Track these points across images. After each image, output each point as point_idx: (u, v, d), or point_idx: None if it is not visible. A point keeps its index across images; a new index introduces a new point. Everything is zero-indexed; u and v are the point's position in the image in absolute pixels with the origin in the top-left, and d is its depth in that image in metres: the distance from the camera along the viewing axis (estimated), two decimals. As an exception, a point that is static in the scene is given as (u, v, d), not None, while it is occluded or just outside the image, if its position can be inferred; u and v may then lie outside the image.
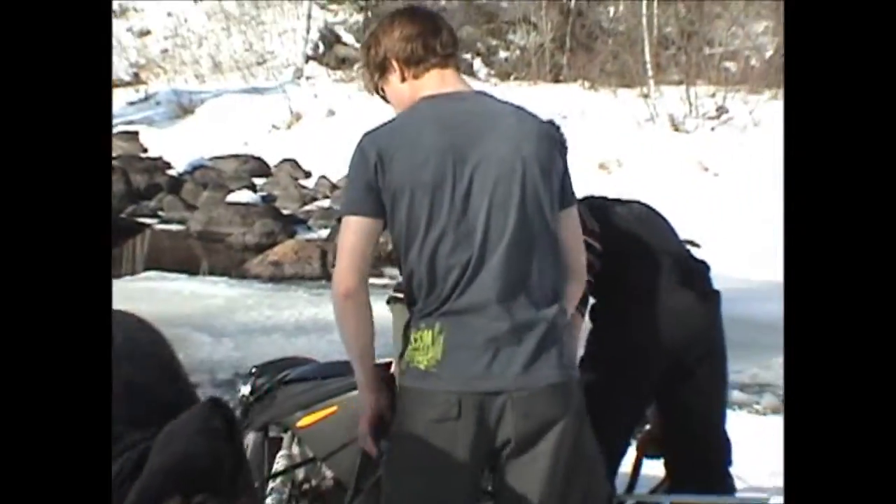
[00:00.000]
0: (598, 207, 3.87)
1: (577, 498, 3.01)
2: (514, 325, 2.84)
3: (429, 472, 2.93)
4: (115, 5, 32.64)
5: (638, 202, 4.14)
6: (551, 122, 3.26)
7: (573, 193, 3.11)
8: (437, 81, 3.06)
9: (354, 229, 2.91)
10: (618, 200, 4.09)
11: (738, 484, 4.70)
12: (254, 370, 4.06)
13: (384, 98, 3.26)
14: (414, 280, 2.92)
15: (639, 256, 3.84)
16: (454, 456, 2.88)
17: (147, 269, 12.99)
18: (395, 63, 3.09)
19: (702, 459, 3.96)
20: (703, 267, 4.00)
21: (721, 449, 4.01)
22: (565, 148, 3.15)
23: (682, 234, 4.28)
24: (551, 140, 3.07)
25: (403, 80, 3.09)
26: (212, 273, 12.59)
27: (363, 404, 3.08)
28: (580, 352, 3.59)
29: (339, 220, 3.00)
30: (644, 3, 22.50)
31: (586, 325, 3.82)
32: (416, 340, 2.87)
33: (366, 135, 2.98)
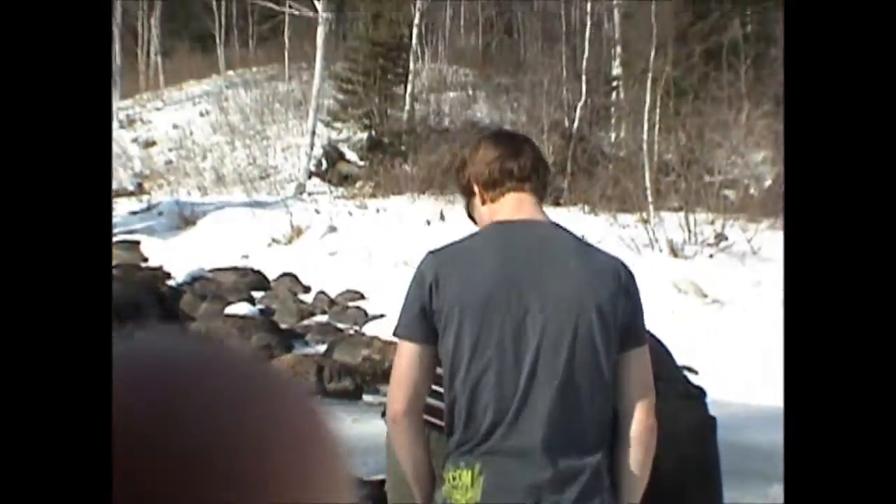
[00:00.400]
0: None
1: None
2: (557, 474, 2.78)
3: None
4: (122, 115, 33.06)
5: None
6: (619, 262, 3.11)
7: (641, 335, 3.01)
8: (513, 207, 3.02)
9: (406, 355, 2.90)
10: None
11: None
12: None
13: (475, 222, 3.23)
14: (455, 410, 2.85)
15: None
16: None
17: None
18: (476, 186, 3.08)
19: None
20: (700, 393, 3.98)
21: None
22: (635, 288, 3.03)
23: (681, 360, 4.27)
24: (617, 282, 2.95)
25: (483, 202, 3.07)
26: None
27: None
28: None
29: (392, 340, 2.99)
30: (645, 129, 22.71)
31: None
32: (454, 479, 2.80)
33: (429, 253, 2.95)
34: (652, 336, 4.05)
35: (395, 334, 2.96)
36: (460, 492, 2.78)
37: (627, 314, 2.92)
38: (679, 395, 3.91)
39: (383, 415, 3.84)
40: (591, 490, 2.81)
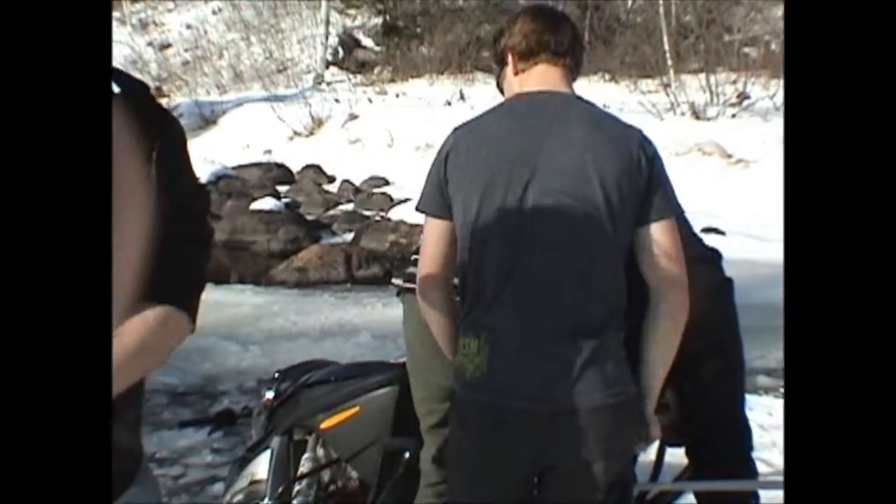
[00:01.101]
0: None
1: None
2: (562, 342, 2.81)
3: (476, 476, 2.95)
4: (134, 20, 32.94)
5: None
6: (637, 133, 3.03)
7: (664, 207, 2.93)
8: (540, 79, 3.03)
9: (429, 229, 2.97)
10: None
11: (766, 468, 4.70)
12: (277, 375, 4.09)
13: (503, 93, 3.26)
14: (465, 282, 2.91)
15: None
16: (495, 464, 2.90)
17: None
18: (510, 56, 3.08)
19: (722, 446, 3.92)
20: (715, 255, 3.99)
21: (741, 434, 3.96)
22: (654, 159, 2.95)
23: (707, 222, 4.28)
24: (630, 153, 2.90)
25: (516, 73, 3.08)
26: (238, 281, 12.65)
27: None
28: None
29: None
30: (661, -5, 22.51)
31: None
32: (464, 347, 2.86)
33: (453, 129, 3.00)
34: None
35: (417, 209, 3.03)
36: (469, 360, 2.83)
37: (643, 186, 2.88)
38: (693, 259, 3.92)
39: (398, 294, 3.88)
40: (595, 361, 2.82)
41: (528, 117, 2.96)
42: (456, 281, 3.02)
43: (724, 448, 3.91)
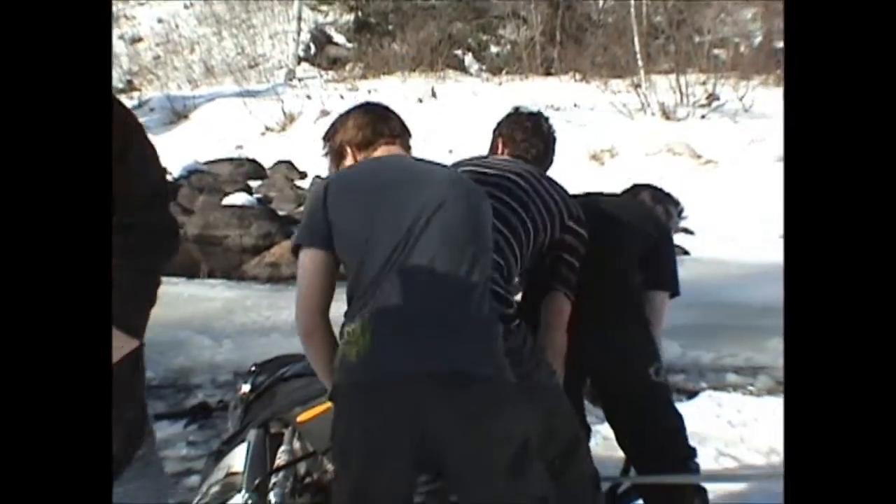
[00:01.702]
0: (590, 200, 3.96)
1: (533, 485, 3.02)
2: (440, 321, 2.91)
3: (366, 463, 2.97)
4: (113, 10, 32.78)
5: (642, 186, 4.40)
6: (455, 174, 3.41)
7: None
8: (383, 153, 3.32)
9: (309, 264, 3.09)
10: (600, 194, 4.20)
11: (732, 463, 4.74)
12: (253, 368, 4.10)
13: None
14: (349, 283, 3.03)
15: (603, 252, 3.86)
16: (383, 444, 2.93)
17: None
18: (349, 148, 3.35)
19: (661, 446, 3.99)
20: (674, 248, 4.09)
21: (668, 423, 4.04)
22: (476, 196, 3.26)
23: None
24: (477, 191, 3.23)
25: (356, 161, 3.32)
26: (211, 276, 12.61)
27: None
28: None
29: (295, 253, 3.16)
30: (633, -4, 22.60)
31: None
32: (347, 335, 2.91)
33: (316, 177, 3.23)
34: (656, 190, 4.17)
35: (294, 245, 3.16)
36: (352, 345, 2.88)
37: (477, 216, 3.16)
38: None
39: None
40: (476, 337, 2.95)
41: (389, 163, 3.26)
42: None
43: (652, 446, 3.96)
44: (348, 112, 3.49)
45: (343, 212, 3.09)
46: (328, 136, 3.47)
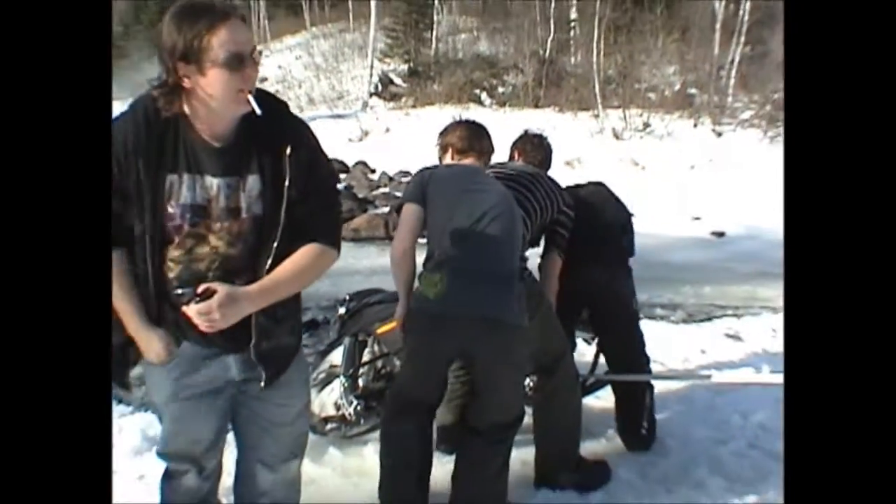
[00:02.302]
0: (570, 190, 3.88)
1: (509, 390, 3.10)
2: (491, 281, 2.96)
3: (414, 365, 3.12)
4: (243, 61, 32.70)
5: (595, 183, 4.20)
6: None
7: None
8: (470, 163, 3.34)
9: (406, 213, 3.11)
10: (581, 185, 4.14)
11: (658, 367, 4.72)
12: (347, 297, 4.08)
13: None
14: (429, 247, 3.09)
15: (587, 224, 3.81)
16: (428, 356, 3.07)
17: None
18: (450, 149, 3.37)
19: (622, 351, 3.99)
20: (622, 233, 4.06)
21: (639, 346, 4.00)
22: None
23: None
24: (515, 205, 3.23)
25: (452, 158, 3.36)
26: None
27: (398, 313, 3.15)
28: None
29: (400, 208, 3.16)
30: (594, 54, 22.36)
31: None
32: (427, 279, 2.97)
33: (423, 168, 3.24)
34: (604, 189, 4.10)
35: (400, 203, 3.19)
36: (430, 287, 2.94)
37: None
38: (620, 253, 3.99)
39: None
40: (509, 298, 2.97)
41: (470, 176, 3.24)
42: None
43: (625, 353, 3.95)
44: (459, 122, 3.47)
45: (436, 194, 3.11)
46: (442, 134, 3.45)
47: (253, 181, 2.04)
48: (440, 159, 3.43)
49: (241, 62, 1.94)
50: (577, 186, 4.10)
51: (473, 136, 3.37)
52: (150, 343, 2.09)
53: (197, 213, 2.02)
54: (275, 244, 2.06)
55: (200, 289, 1.94)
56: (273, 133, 2.06)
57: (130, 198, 1.97)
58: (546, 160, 3.91)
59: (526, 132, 4.00)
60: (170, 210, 2.00)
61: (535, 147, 3.90)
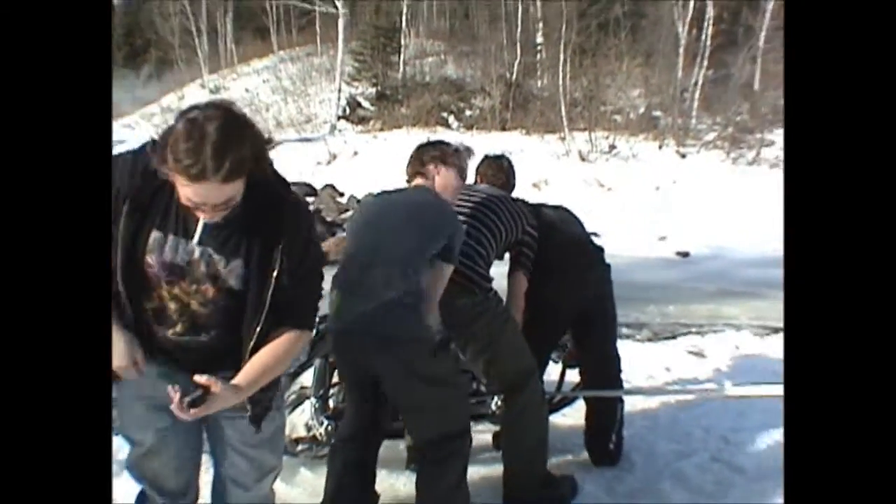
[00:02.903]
0: (534, 209, 3.91)
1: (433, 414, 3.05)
2: (375, 302, 2.89)
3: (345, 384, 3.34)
4: (210, 85, 32.55)
5: (561, 207, 4.16)
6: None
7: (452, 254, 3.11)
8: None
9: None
10: (546, 205, 4.11)
11: (626, 384, 4.79)
12: (317, 319, 4.11)
13: None
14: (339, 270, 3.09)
15: (556, 243, 3.82)
16: (347, 368, 3.21)
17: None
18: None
19: (601, 368, 4.02)
20: (600, 249, 4.07)
21: (614, 360, 4.04)
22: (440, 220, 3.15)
23: (590, 228, 4.35)
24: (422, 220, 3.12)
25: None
26: None
27: None
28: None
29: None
30: (560, 78, 22.53)
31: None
32: (332, 298, 2.97)
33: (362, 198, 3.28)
34: (570, 212, 4.14)
35: None
36: (333, 305, 2.99)
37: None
38: (586, 251, 4.03)
39: None
40: (401, 303, 2.89)
41: (380, 205, 3.24)
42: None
43: (603, 369, 4.02)
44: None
45: (353, 228, 3.27)
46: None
47: (239, 262, 2.05)
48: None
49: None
50: (545, 206, 4.12)
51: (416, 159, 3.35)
52: (118, 346, 2.05)
53: (175, 271, 2.03)
54: (258, 328, 2.07)
55: (199, 383, 1.95)
56: (269, 221, 2.05)
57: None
58: (508, 182, 3.92)
59: (486, 156, 3.97)
60: (148, 261, 2.01)
61: (496, 170, 3.90)
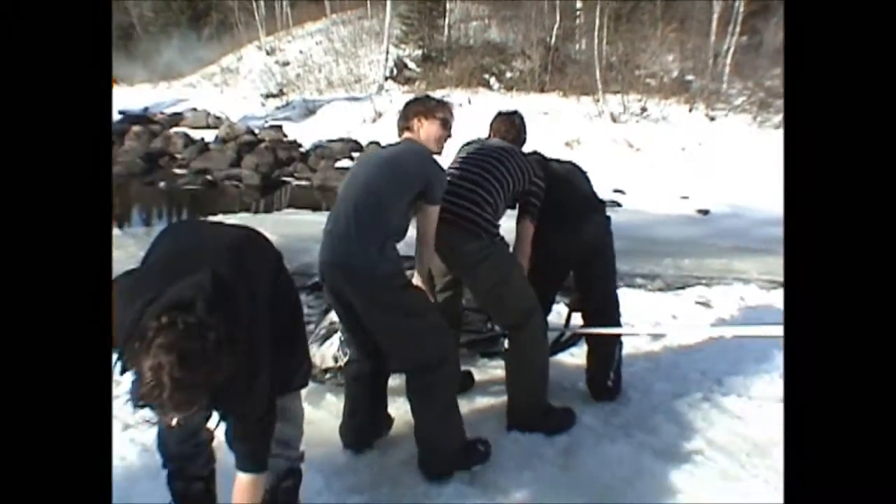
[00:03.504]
0: (542, 163, 3.95)
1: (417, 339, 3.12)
2: (357, 238, 3.00)
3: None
4: (267, 46, 32.66)
5: (569, 162, 4.16)
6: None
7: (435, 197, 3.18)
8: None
9: None
10: (554, 159, 4.13)
11: (633, 329, 4.87)
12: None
13: None
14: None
15: (561, 194, 3.85)
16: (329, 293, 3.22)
17: (289, 207, 13.01)
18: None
19: (601, 311, 4.06)
20: (602, 203, 4.08)
21: (613, 304, 4.08)
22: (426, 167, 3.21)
23: (616, 185, 4.37)
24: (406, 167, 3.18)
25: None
26: (327, 209, 12.41)
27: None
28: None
29: None
30: (596, 42, 22.26)
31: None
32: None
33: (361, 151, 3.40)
34: (577, 166, 4.18)
35: None
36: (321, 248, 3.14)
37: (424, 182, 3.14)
38: (588, 204, 4.07)
39: None
40: (367, 240, 2.99)
41: (367, 158, 3.33)
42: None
43: (604, 312, 4.07)
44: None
45: (345, 178, 3.30)
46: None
47: None
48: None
49: None
50: (554, 160, 4.14)
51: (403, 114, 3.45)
52: None
53: None
54: None
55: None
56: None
57: None
58: (519, 137, 3.97)
59: (500, 112, 4.05)
60: None
61: (507, 126, 3.95)
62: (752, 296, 6.50)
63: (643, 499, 3.12)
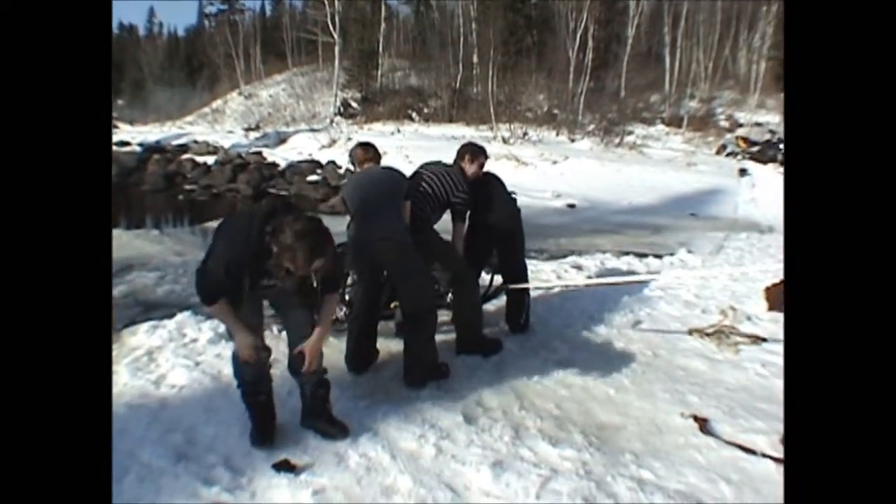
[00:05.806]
0: (487, 176, 4.06)
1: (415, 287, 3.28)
2: (382, 228, 3.27)
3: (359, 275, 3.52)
4: (245, 92, 31.81)
5: (489, 172, 4.18)
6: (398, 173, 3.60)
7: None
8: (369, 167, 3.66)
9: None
10: (489, 172, 4.14)
11: (535, 284, 5.09)
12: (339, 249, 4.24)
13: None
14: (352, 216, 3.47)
15: (486, 195, 3.95)
16: (364, 265, 3.44)
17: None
18: (357, 162, 3.82)
19: (515, 273, 4.16)
20: (514, 198, 4.20)
21: (523, 268, 4.18)
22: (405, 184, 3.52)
23: (509, 189, 4.46)
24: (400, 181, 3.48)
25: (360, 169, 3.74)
26: None
27: None
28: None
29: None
30: (489, 86, 22.50)
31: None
32: (348, 228, 3.52)
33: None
34: (495, 176, 4.31)
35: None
36: (350, 229, 3.49)
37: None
38: (505, 201, 4.15)
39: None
40: (394, 222, 3.29)
41: (370, 175, 3.55)
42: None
43: (516, 274, 4.17)
44: (357, 146, 3.81)
45: (350, 191, 3.47)
46: (351, 154, 3.83)
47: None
48: (359, 165, 3.75)
49: None
50: (488, 173, 4.14)
51: (366, 151, 3.75)
52: (245, 340, 2.50)
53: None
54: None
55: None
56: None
57: None
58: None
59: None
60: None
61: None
62: (609, 262, 6.88)
63: (548, 392, 3.41)
